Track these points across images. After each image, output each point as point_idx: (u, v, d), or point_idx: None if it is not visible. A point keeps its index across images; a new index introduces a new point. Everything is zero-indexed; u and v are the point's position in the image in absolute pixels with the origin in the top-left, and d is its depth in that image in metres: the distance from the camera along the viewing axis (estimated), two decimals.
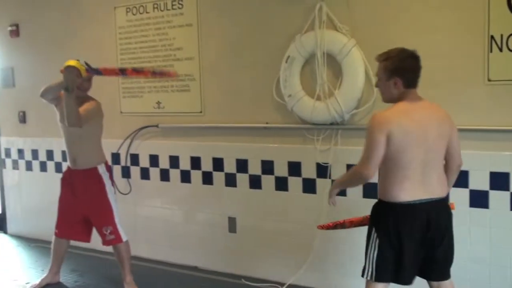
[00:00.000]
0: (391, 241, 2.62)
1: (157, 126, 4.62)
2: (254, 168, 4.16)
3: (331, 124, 3.76)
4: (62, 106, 3.61)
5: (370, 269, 2.69)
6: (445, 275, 2.74)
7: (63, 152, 4.80)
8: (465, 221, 3.35)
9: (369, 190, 3.43)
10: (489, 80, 3.22)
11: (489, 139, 3.28)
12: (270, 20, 3.97)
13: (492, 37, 3.18)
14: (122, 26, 4.73)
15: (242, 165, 4.22)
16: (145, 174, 4.77)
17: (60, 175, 4.12)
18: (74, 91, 3.49)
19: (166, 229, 4.70)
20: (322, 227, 3.09)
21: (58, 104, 3.82)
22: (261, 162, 4.12)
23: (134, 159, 4.81)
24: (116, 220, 3.92)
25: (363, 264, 2.74)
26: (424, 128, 2.60)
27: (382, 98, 2.79)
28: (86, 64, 3.55)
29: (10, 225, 5.87)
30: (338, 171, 3.72)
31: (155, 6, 4.52)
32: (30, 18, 5.36)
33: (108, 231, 3.90)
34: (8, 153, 5.77)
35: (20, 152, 5.63)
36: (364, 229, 2.79)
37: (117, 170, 4.82)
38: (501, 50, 3.16)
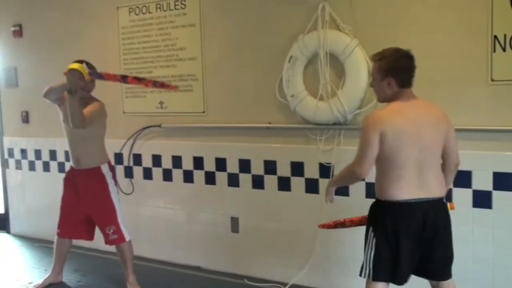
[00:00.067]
0: (389, 241, 2.62)
1: (159, 126, 4.62)
2: (257, 168, 4.16)
3: (334, 124, 3.76)
4: (65, 106, 3.61)
5: (368, 269, 2.69)
6: (446, 275, 2.73)
7: (66, 152, 4.82)
8: (468, 222, 3.35)
9: (372, 190, 3.38)
10: (492, 80, 3.22)
11: (492, 139, 3.27)
12: (273, 20, 3.97)
13: (495, 37, 3.17)
14: (125, 26, 4.74)
15: (244, 165, 4.22)
16: (147, 174, 4.78)
17: (63, 175, 4.12)
18: (77, 93, 3.49)
19: (169, 229, 4.70)
20: (323, 226, 3.12)
21: (61, 104, 3.82)
22: (264, 162, 4.12)
23: (137, 159, 4.81)
24: (119, 219, 3.92)
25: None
26: (418, 126, 2.59)
27: (377, 98, 2.81)
28: (89, 67, 3.56)
29: (13, 225, 5.88)
30: None
31: (158, 6, 4.53)
32: (33, 19, 5.36)
33: (111, 230, 3.90)
34: (11, 153, 5.77)
35: (23, 152, 5.64)
36: None
37: (120, 170, 4.82)
38: (504, 50, 3.15)
